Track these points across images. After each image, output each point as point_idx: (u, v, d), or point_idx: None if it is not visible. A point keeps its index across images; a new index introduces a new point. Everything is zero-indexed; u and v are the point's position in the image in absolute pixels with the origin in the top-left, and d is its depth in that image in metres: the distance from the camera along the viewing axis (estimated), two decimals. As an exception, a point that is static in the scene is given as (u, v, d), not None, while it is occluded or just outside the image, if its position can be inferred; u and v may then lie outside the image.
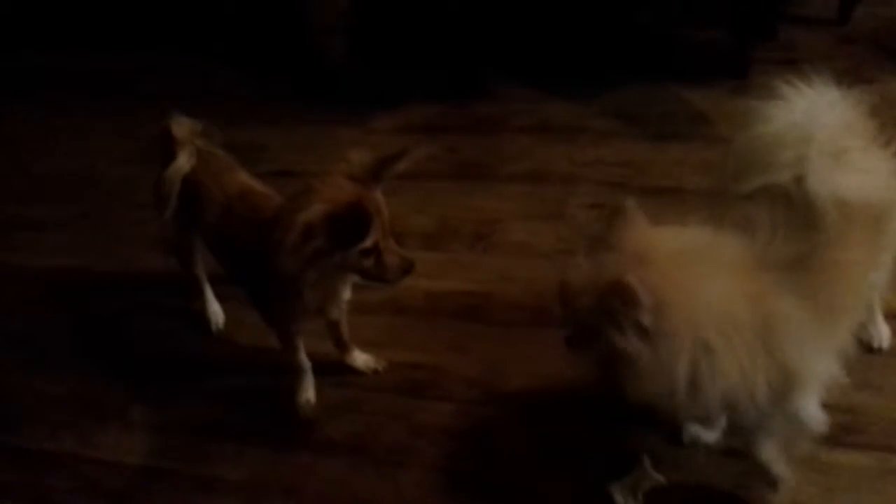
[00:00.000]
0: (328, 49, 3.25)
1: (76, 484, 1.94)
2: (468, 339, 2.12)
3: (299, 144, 2.96)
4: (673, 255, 1.35)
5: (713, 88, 2.88)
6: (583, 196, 2.52)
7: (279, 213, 1.70)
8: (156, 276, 2.44)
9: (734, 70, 2.93)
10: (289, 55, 3.57)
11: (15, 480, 1.97)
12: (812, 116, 1.44)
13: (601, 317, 1.31)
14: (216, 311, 2.27)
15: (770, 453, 1.57)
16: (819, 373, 1.42)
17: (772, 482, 1.60)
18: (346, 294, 1.87)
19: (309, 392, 2.00)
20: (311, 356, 1.99)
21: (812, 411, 1.50)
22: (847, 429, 1.69)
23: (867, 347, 1.85)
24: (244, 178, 2.00)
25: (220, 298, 2.27)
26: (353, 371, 2.06)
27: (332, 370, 2.05)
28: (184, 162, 1.97)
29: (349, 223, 1.60)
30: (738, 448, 1.69)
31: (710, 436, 1.71)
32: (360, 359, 2.07)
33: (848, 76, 1.51)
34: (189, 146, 1.99)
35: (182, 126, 2.02)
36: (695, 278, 1.32)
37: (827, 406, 1.53)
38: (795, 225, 1.37)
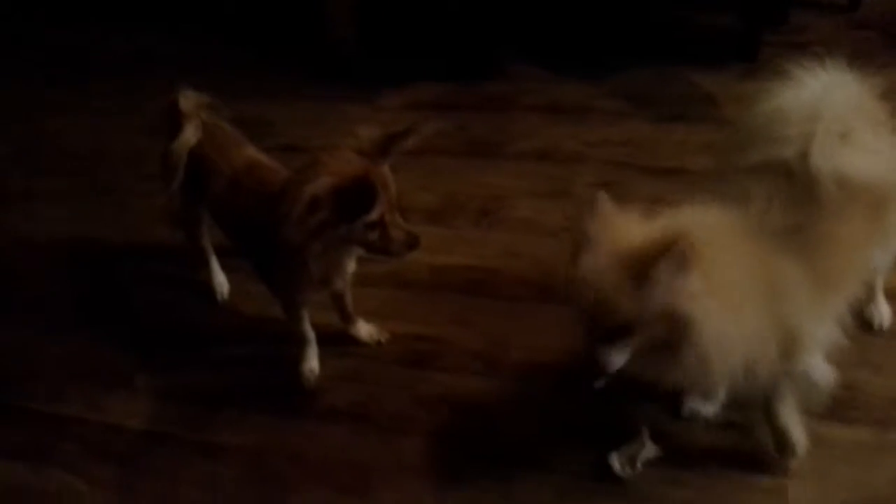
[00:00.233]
0: (340, 38, 3.25)
1: (82, 446, 1.96)
2: (472, 313, 2.14)
3: (307, 120, 2.97)
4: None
5: (723, 72, 2.88)
6: (589, 175, 2.53)
7: (286, 186, 1.71)
8: (163, 246, 2.47)
9: (744, 54, 2.93)
10: (299, 35, 3.58)
11: (23, 441, 2.00)
12: (822, 96, 1.45)
13: (656, 296, 1.26)
14: (221, 282, 2.29)
15: (788, 417, 1.58)
16: (819, 337, 1.44)
17: (788, 449, 1.61)
18: (351, 266, 1.88)
19: (313, 361, 2.01)
20: (315, 327, 2.01)
21: (819, 368, 1.52)
22: (845, 404, 1.70)
23: (868, 327, 1.87)
24: (251, 152, 2.02)
25: (226, 269, 2.29)
26: (357, 342, 2.08)
27: (336, 341, 2.07)
28: (190, 135, 1.98)
29: (355, 196, 1.61)
30: (737, 421, 1.71)
31: (709, 409, 1.73)
32: (364, 329, 2.08)
33: (858, 61, 1.51)
34: (196, 119, 2.01)
35: (189, 99, 2.03)
36: (710, 249, 1.31)
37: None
38: (793, 199, 1.39)
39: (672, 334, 1.30)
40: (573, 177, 2.53)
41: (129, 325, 2.28)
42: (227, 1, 3.84)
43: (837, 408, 1.66)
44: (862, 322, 1.86)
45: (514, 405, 1.90)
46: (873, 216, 1.48)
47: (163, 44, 3.70)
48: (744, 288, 1.33)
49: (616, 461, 1.68)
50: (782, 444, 1.61)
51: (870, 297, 1.85)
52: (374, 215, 1.64)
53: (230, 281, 2.29)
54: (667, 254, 1.24)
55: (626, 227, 1.34)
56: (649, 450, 1.69)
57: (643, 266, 1.26)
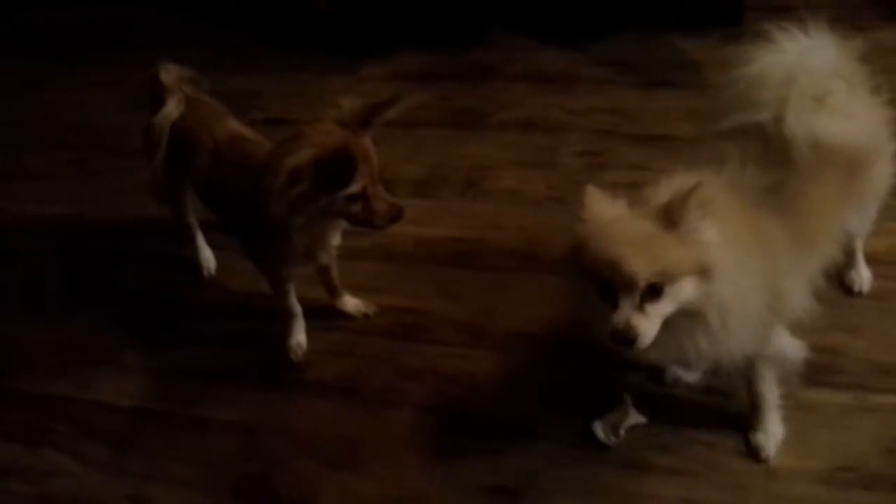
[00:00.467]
0: (321, 8, 3.21)
1: (74, 426, 1.98)
2: (458, 285, 2.15)
3: (291, 92, 2.95)
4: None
5: (707, 37, 2.85)
6: (574, 144, 2.52)
7: (267, 159, 1.71)
8: (148, 223, 2.45)
9: (728, 17, 2.90)
10: (282, 7, 3.53)
11: (15, 422, 2.02)
12: (798, 59, 1.45)
13: (690, 236, 1.25)
14: (208, 258, 2.29)
15: (768, 385, 1.61)
16: (793, 300, 1.45)
17: (765, 418, 1.63)
18: (336, 240, 1.89)
19: (300, 336, 2.03)
20: (302, 301, 2.02)
21: (787, 343, 1.54)
22: (825, 368, 1.72)
23: (848, 291, 1.89)
24: (234, 125, 2.01)
25: (212, 245, 2.29)
26: (344, 315, 2.09)
27: (324, 315, 2.08)
28: (172, 108, 1.98)
29: (335, 168, 1.61)
30: (718, 388, 1.73)
31: (692, 376, 1.75)
32: (351, 303, 2.09)
33: (842, 23, 1.51)
34: (178, 93, 2.00)
35: (170, 73, 2.02)
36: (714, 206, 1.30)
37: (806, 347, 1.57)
38: (767, 162, 1.40)
39: (699, 288, 1.27)
40: (558, 146, 2.52)
41: (117, 304, 2.29)
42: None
43: (817, 372, 1.69)
44: (842, 286, 1.88)
45: (500, 375, 1.92)
46: (848, 179, 1.49)
47: (146, 18, 3.65)
48: (745, 244, 1.34)
49: (600, 429, 1.70)
50: (757, 412, 1.64)
51: (850, 261, 1.86)
52: (355, 187, 1.64)
53: (217, 257, 2.30)
54: (692, 195, 1.23)
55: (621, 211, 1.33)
56: (633, 417, 1.72)
57: (672, 211, 1.24)
